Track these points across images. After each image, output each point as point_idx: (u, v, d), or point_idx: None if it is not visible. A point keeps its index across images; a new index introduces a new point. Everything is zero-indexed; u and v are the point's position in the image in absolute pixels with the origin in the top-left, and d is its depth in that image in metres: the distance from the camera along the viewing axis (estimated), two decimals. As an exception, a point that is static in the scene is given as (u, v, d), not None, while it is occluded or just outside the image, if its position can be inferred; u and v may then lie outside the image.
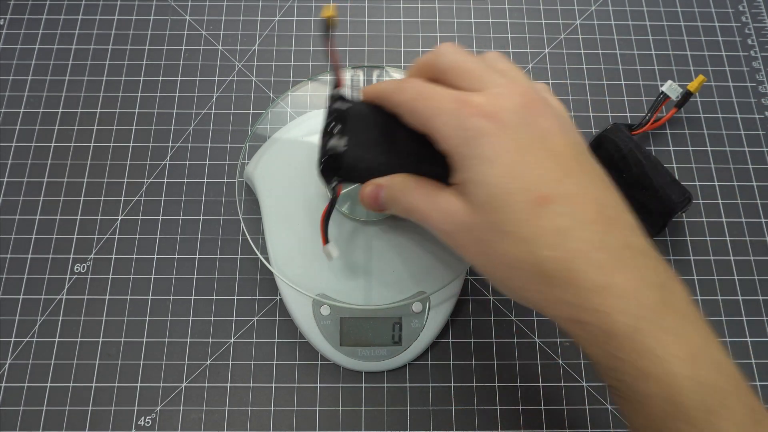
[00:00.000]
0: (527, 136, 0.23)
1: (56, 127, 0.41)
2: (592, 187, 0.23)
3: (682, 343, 0.21)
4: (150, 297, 0.37)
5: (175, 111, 0.42)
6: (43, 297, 0.37)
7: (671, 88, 0.39)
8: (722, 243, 0.39)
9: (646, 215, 0.37)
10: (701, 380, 0.21)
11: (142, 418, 0.34)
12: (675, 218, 0.38)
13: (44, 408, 0.34)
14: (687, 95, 0.40)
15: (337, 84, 0.32)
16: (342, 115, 0.31)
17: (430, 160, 0.30)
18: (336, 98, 0.31)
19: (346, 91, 0.31)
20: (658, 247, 0.38)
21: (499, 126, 0.23)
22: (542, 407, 0.35)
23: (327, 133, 0.31)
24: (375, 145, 0.30)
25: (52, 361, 0.35)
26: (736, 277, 0.38)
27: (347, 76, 0.41)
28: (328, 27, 0.30)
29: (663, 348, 0.21)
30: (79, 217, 0.39)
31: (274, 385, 0.35)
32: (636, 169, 0.36)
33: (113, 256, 0.38)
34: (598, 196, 0.23)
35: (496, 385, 0.35)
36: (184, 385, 0.35)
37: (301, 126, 0.39)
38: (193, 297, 0.37)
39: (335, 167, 0.31)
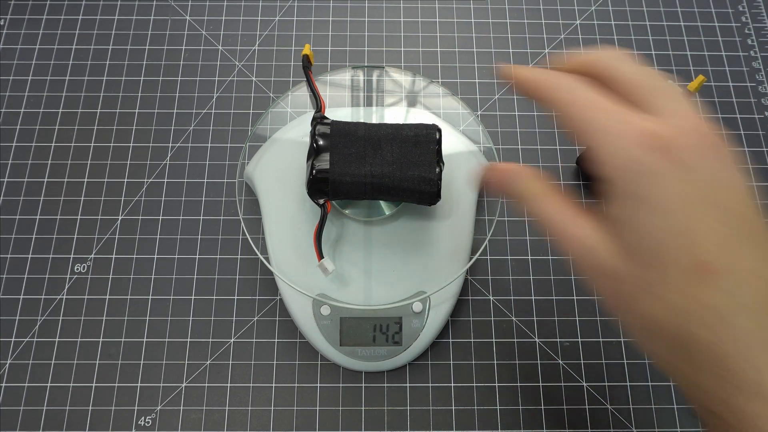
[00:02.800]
0: (699, 183, 0.19)
1: (56, 127, 0.41)
2: (764, 261, 0.19)
3: None
4: (150, 297, 0.37)
5: (175, 111, 0.42)
6: (43, 297, 0.37)
7: None
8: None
9: None
10: None
11: (142, 418, 0.34)
12: None
13: (44, 408, 0.34)
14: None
15: (319, 108, 0.34)
16: (324, 135, 0.31)
17: (416, 165, 0.30)
18: (317, 120, 0.33)
19: (329, 114, 0.33)
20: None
21: (673, 165, 0.19)
22: (542, 407, 0.35)
23: (311, 154, 0.32)
24: (358, 159, 0.31)
25: (52, 361, 0.35)
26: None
27: (347, 75, 0.41)
28: (309, 61, 0.35)
29: None
30: (79, 217, 0.39)
31: (274, 385, 0.35)
32: None
33: (113, 256, 0.38)
34: None
35: (496, 385, 0.35)
36: (184, 385, 0.35)
37: (301, 126, 0.39)
38: (193, 297, 0.37)
39: (322, 185, 0.31)
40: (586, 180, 0.40)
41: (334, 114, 0.39)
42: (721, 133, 0.20)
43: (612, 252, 0.20)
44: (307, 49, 0.35)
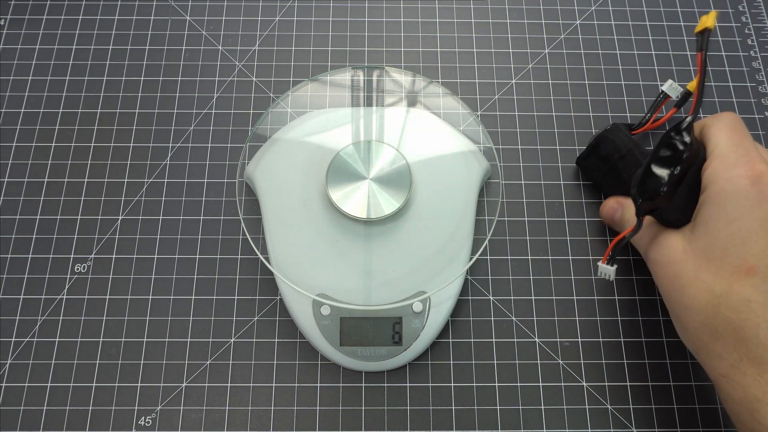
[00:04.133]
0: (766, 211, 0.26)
1: (57, 127, 0.41)
2: None
3: None
4: (150, 297, 0.37)
5: (175, 111, 0.42)
6: (43, 297, 0.37)
7: (671, 88, 0.39)
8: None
9: None
10: None
11: (142, 418, 0.34)
12: None
13: (44, 408, 0.34)
14: (687, 95, 0.40)
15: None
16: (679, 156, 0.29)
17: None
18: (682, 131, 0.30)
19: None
20: (658, 247, 0.38)
21: (757, 193, 0.26)
22: (542, 407, 0.35)
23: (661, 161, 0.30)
24: (683, 199, 0.30)
25: (53, 361, 0.35)
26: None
27: (347, 75, 0.41)
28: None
29: None
30: (79, 217, 0.39)
31: (274, 385, 0.35)
32: (635, 170, 0.36)
33: (113, 256, 0.38)
34: None
35: (496, 385, 0.35)
36: (184, 385, 0.35)
37: (301, 126, 0.39)
38: (193, 297, 0.37)
39: (652, 203, 0.29)
40: (587, 180, 0.40)
41: (334, 114, 0.39)
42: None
43: (685, 247, 0.28)
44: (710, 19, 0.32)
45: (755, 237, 0.26)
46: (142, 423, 0.34)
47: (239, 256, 0.38)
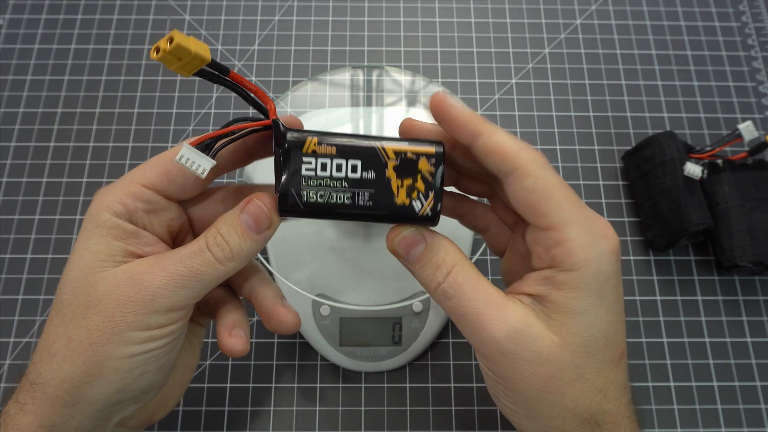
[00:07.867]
0: (621, 285, 0.23)
1: (55, 126, 0.41)
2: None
3: None
4: (149, 297, 0.37)
5: (174, 111, 0.42)
6: (42, 297, 0.37)
7: (747, 130, 0.36)
8: (722, 243, 0.39)
9: (661, 226, 0.36)
10: None
11: (142, 418, 0.34)
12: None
13: (43, 408, 0.34)
14: (762, 146, 0.36)
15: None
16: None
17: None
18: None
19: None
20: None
21: (618, 271, 0.22)
22: (542, 407, 0.35)
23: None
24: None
25: (52, 362, 0.35)
26: (736, 278, 0.38)
27: (347, 75, 0.41)
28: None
29: None
30: (78, 217, 0.39)
31: (274, 385, 0.35)
32: (669, 179, 0.36)
33: (112, 256, 0.38)
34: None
35: (496, 385, 0.35)
36: (183, 385, 0.35)
37: (300, 126, 0.38)
38: (192, 297, 0.37)
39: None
40: (625, 180, 0.40)
41: (334, 113, 0.39)
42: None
43: (558, 343, 0.22)
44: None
45: (622, 318, 0.23)
46: (142, 423, 0.34)
47: (239, 256, 0.38)
